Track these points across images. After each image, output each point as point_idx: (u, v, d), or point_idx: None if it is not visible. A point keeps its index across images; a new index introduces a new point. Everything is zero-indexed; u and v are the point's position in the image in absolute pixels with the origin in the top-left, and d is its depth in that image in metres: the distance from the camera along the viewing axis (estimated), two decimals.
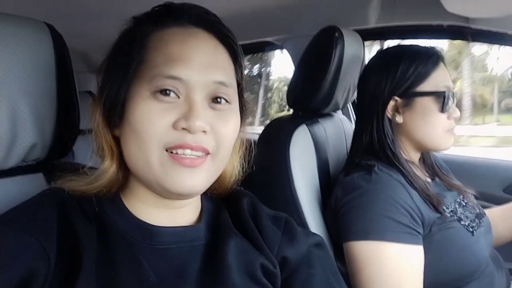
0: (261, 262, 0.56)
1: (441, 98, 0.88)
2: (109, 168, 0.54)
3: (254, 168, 1.00)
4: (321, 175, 1.03)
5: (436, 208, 0.84)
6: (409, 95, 0.90)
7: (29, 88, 0.58)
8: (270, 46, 1.70)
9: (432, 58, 0.91)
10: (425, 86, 0.89)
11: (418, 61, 0.90)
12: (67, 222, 0.50)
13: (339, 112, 1.33)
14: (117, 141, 0.54)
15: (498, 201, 1.22)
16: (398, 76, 0.90)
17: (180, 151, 0.49)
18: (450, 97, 0.89)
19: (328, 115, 1.20)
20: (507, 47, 1.29)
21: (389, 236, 0.78)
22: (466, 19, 1.21)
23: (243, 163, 0.65)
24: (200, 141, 0.50)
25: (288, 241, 0.60)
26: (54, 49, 0.62)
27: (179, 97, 0.50)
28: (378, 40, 1.49)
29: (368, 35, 1.35)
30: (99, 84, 0.55)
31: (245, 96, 0.61)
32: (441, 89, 0.89)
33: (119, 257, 0.50)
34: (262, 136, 1.04)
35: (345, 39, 1.03)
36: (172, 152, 0.50)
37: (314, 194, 0.98)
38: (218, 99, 0.53)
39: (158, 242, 0.53)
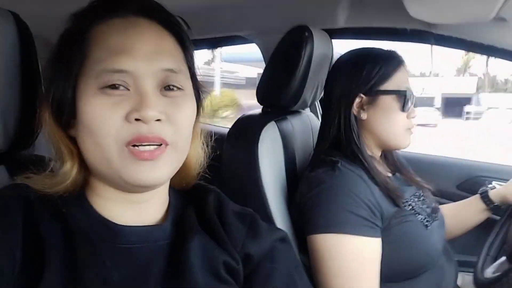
0: (224, 259, 0.56)
1: (402, 97, 0.94)
2: (70, 170, 0.53)
3: (222, 163, 1.02)
4: (288, 171, 1.05)
5: (395, 202, 0.89)
6: (373, 93, 0.95)
7: None
8: (241, 40, 1.70)
9: (395, 60, 0.97)
10: (388, 86, 0.95)
11: (382, 62, 0.95)
12: (31, 220, 0.49)
13: (307, 109, 1.36)
14: (74, 141, 0.53)
15: (452, 197, 1.31)
16: (364, 75, 0.95)
17: (137, 144, 0.48)
18: (410, 97, 0.94)
19: (297, 112, 1.22)
20: None
21: (348, 229, 0.82)
22: (429, 24, 1.28)
23: (206, 150, 0.64)
24: (156, 131, 0.49)
25: (252, 238, 0.61)
26: (18, 38, 0.60)
27: (129, 89, 0.49)
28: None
29: (336, 34, 1.38)
30: (44, 86, 0.54)
31: (199, 81, 0.60)
32: (402, 89, 0.94)
33: (83, 256, 0.49)
34: (231, 131, 1.05)
35: (314, 39, 1.05)
36: (131, 147, 0.49)
37: (281, 189, 1.01)
38: (170, 87, 0.52)
39: (122, 242, 0.52)
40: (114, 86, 0.49)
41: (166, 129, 0.50)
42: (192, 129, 0.56)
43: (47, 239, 0.48)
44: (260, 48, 1.62)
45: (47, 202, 0.51)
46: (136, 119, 0.48)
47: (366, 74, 0.95)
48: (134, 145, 0.48)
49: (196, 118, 0.58)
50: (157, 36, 0.52)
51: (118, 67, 0.48)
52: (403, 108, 0.94)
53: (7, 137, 0.61)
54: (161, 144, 0.50)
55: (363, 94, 0.95)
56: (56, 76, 0.52)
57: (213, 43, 1.83)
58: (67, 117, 0.52)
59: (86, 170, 0.54)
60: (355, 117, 0.96)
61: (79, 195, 0.54)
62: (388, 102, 0.95)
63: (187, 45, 0.57)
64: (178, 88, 0.52)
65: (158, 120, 0.49)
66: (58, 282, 0.46)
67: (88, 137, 0.50)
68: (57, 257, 0.47)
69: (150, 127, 0.48)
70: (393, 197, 0.89)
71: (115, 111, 0.48)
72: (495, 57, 1.31)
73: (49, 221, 0.50)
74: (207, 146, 0.64)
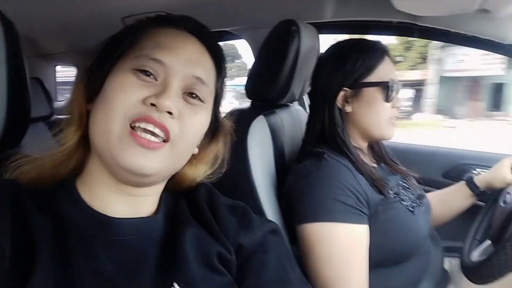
0: (217, 250, 0.57)
1: (385, 88, 0.95)
2: (73, 135, 0.56)
3: None
4: (277, 163, 1.07)
5: (380, 190, 0.91)
6: (357, 86, 0.96)
7: None
8: (229, 36, 1.71)
9: (378, 52, 0.98)
10: (371, 78, 0.96)
11: (365, 54, 0.97)
12: (20, 215, 0.49)
13: (296, 103, 1.37)
14: (87, 116, 0.56)
15: (438, 185, 1.33)
16: (348, 68, 0.96)
17: (142, 124, 0.50)
18: (394, 87, 0.96)
19: (285, 105, 1.24)
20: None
21: (336, 217, 0.84)
22: (414, 17, 1.30)
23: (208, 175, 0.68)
24: (164, 120, 0.52)
25: (244, 229, 0.62)
26: (4, 36, 0.60)
27: (157, 80, 0.53)
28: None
29: (324, 28, 1.40)
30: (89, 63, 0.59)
31: (220, 111, 0.65)
32: (386, 80, 0.96)
33: (75, 248, 0.50)
34: None
35: (301, 33, 1.06)
36: (134, 127, 0.51)
37: (271, 181, 1.02)
38: (193, 95, 0.56)
39: (115, 234, 0.53)
40: (146, 73, 0.53)
41: (175, 125, 0.53)
42: (197, 141, 0.60)
43: (37, 233, 0.48)
44: (248, 43, 1.63)
45: (36, 197, 0.52)
46: (152, 104, 0.51)
47: (349, 67, 0.96)
48: (135, 128, 0.51)
49: (208, 144, 0.64)
50: (200, 53, 0.59)
51: (157, 57, 0.54)
52: (387, 99, 0.96)
53: None
54: (163, 135, 0.52)
55: (347, 87, 0.97)
56: (102, 55, 0.58)
57: None
58: (94, 90, 0.56)
59: (84, 151, 0.57)
60: (340, 110, 0.98)
61: (69, 187, 0.55)
62: (372, 94, 0.96)
63: (222, 71, 0.63)
64: (199, 99, 0.56)
65: (170, 114, 0.52)
66: (50, 275, 0.46)
67: (101, 106, 0.53)
68: (48, 251, 0.48)
69: (160, 115, 0.51)
70: (378, 187, 0.91)
71: (136, 91, 0.52)
72: (479, 48, 1.33)
73: (38, 215, 0.50)
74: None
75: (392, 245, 0.91)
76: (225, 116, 1.07)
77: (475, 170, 1.29)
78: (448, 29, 1.29)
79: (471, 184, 1.14)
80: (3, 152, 0.65)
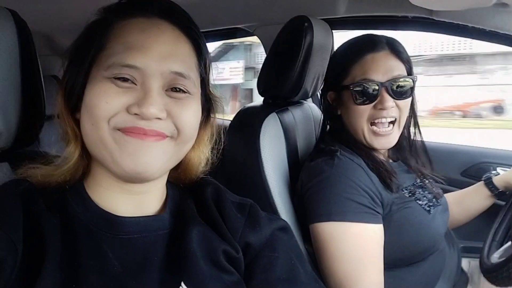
0: (223, 248, 0.57)
1: (354, 90, 0.92)
2: (74, 151, 0.55)
3: (224, 155, 1.03)
4: (291, 161, 1.06)
5: (389, 186, 0.88)
6: (338, 89, 0.97)
7: None
8: (241, 33, 1.70)
9: (352, 53, 0.96)
10: (346, 80, 0.95)
11: (342, 57, 0.98)
12: (31, 214, 0.50)
13: (309, 100, 1.36)
14: (79, 126, 0.55)
15: (457, 184, 1.30)
16: (330, 71, 0.99)
17: (132, 135, 0.50)
18: (366, 88, 0.91)
19: (298, 103, 1.23)
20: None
21: (350, 217, 0.83)
22: (430, 11, 1.26)
23: (212, 154, 0.66)
24: (155, 126, 0.50)
25: (251, 227, 0.61)
26: (17, 36, 0.61)
27: (136, 84, 0.51)
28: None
29: (337, 24, 1.38)
30: (64, 69, 0.56)
31: (210, 90, 0.62)
32: (357, 81, 0.92)
33: (83, 247, 0.50)
34: (233, 123, 1.06)
35: (314, 29, 1.05)
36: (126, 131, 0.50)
37: (284, 179, 1.01)
38: (177, 89, 0.53)
39: (122, 232, 0.53)
40: (123, 79, 0.51)
41: (168, 126, 0.52)
42: (196, 132, 0.58)
43: (47, 232, 0.49)
44: (261, 40, 1.62)
45: (46, 196, 0.53)
46: (136, 114, 0.50)
47: (330, 71, 0.99)
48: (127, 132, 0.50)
49: (204, 124, 0.62)
50: (174, 39, 0.55)
51: (130, 62, 0.50)
52: (355, 101, 0.92)
53: (9, 135, 0.62)
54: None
55: (332, 91, 0.99)
56: (73, 62, 0.55)
57: (214, 37, 1.84)
58: (75, 100, 0.54)
59: (88, 157, 0.56)
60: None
61: (77, 186, 0.56)
62: (348, 97, 0.94)
63: (202, 52, 0.59)
64: (184, 92, 0.54)
65: (158, 119, 0.51)
66: (58, 272, 0.47)
67: (87, 118, 0.52)
68: (56, 249, 0.48)
69: (148, 123, 0.50)
70: (387, 182, 0.88)
71: (118, 98, 0.50)
72: (498, 43, 1.29)
73: (48, 214, 0.51)
74: (217, 144, 0.66)
75: (407, 244, 0.89)
76: (236, 115, 1.08)
77: (495, 169, 1.25)
78: (466, 24, 1.25)
79: (489, 185, 1.11)
80: (19, 149, 0.67)
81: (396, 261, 0.88)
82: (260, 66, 1.12)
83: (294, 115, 1.14)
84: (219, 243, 0.58)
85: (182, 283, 0.52)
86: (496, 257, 0.90)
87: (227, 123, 1.05)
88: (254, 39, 1.66)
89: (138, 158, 0.50)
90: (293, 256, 0.62)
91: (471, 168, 1.41)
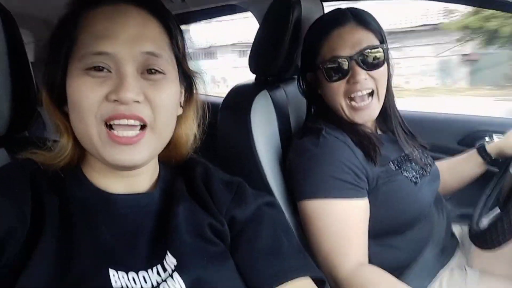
0: (209, 222, 0.61)
1: (326, 69, 0.92)
2: (67, 143, 0.58)
3: (217, 132, 1.05)
4: (283, 138, 1.07)
5: (372, 159, 0.89)
6: (313, 69, 0.97)
7: None
8: (236, 9, 1.68)
9: (318, 31, 0.96)
10: (318, 60, 0.94)
11: (311, 37, 0.99)
12: (36, 191, 0.54)
13: None
14: (68, 117, 0.57)
15: (454, 153, 1.30)
16: (303, 53, 1.02)
17: (116, 121, 0.52)
18: (336, 65, 0.90)
19: (290, 79, 1.22)
20: None
21: (334, 194, 0.85)
22: None
23: (202, 129, 0.68)
24: (134, 109, 0.52)
25: (237, 203, 0.64)
26: (2, 25, 0.62)
27: (111, 72, 0.53)
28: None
29: None
30: (44, 65, 0.58)
31: (188, 66, 0.63)
32: (327, 59, 0.92)
33: (78, 222, 0.55)
34: (224, 102, 1.07)
35: (302, 2, 1.04)
36: (110, 127, 0.52)
37: (276, 156, 1.03)
38: (152, 70, 0.55)
39: (115, 209, 0.58)
40: (98, 68, 0.52)
41: (145, 110, 0.54)
42: (174, 112, 0.60)
43: (47, 208, 0.53)
44: (254, 16, 1.60)
45: (48, 175, 0.57)
46: (115, 100, 0.52)
47: (304, 52, 1.00)
48: (111, 127, 0.52)
49: (188, 101, 0.64)
50: (142, 22, 0.55)
51: (100, 50, 0.52)
52: (327, 78, 0.92)
53: (3, 121, 0.65)
54: (141, 127, 0.54)
55: (309, 71, 0.99)
56: (49, 59, 0.57)
57: (209, 14, 1.82)
58: (59, 95, 0.56)
59: (81, 145, 0.59)
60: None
61: (75, 169, 0.60)
62: (322, 76, 0.94)
63: (173, 31, 0.60)
64: (159, 72, 0.55)
65: (137, 102, 0.53)
66: (55, 242, 0.51)
67: (74, 113, 0.54)
68: (54, 224, 0.53)
69: (128, 107, 0.52)
70: (370, 155, 0.89)
71: (96, 90, 0.52)
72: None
73: (49, 191, 0.55)
74: (203, 119, 0.67)
75: (394, 216, 0.91)
76: (228, 93, 1.09)
77: (490, 137, 1.24)
78: None
79: (482, 152, 1.11)
80: (13, 136, 0.70)
81: (383, 231, 0.91)
82: None
83: (286, 91, 1.14)
84: (204, 216, 0.61)
85: (168, 252, 0.56)
86: (484, 222, 0.92)
87: (211, 99, 1.06)
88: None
89: (124, 157, 0.53)
90: (278, 229, 0.65)
91: (468, 137, 1.40)
